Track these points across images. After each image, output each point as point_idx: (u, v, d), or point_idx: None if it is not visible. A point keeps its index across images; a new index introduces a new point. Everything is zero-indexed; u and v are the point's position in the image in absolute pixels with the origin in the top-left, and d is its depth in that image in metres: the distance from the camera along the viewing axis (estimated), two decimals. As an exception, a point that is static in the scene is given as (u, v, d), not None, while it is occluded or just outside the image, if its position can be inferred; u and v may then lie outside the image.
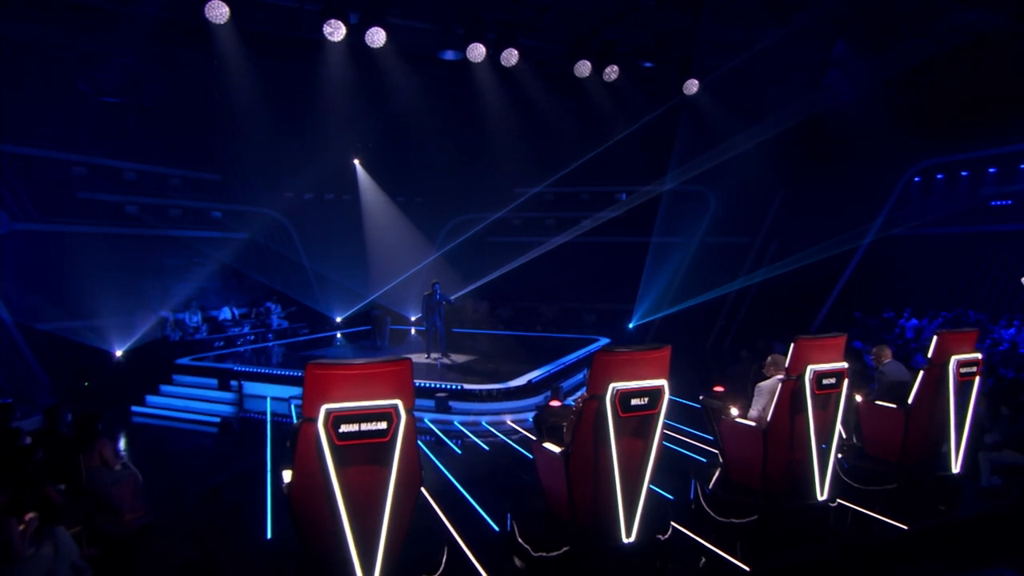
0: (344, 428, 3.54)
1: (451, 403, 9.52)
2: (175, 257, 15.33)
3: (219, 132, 15.40)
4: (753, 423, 5.49)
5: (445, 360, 12.18)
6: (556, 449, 4.71)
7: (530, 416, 9.40)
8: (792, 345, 5.16)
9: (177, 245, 15.21)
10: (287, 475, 3.86)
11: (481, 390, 9.77)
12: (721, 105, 13.61)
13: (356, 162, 18.11)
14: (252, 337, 15.06)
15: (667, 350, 4.50)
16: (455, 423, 9.23)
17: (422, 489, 6.46)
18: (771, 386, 5.47)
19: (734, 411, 6.02)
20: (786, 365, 5.24)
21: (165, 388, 11.20)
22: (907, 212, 15.15)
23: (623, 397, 4.28)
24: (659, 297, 17.49)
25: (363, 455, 3.67)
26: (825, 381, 5.16)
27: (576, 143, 16.19)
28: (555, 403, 5.36)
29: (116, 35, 10.26)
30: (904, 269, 15.59)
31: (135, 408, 10.62)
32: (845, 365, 5.28)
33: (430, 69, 11.92)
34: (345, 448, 3.58)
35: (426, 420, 9.27)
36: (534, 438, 8.61)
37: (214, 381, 11.02)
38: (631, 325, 17.52)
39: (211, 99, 13.04)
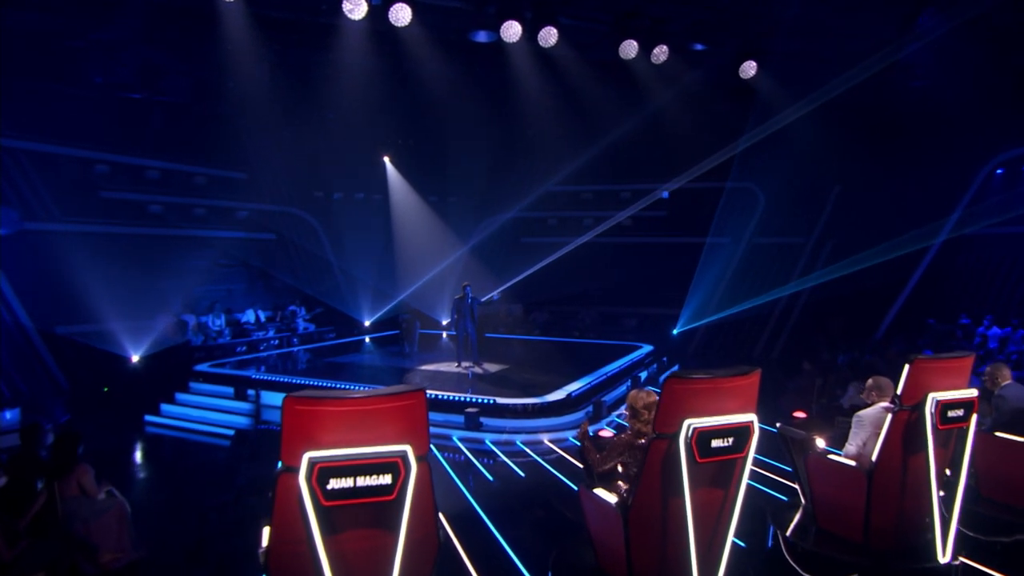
0: (334, 484, 2.65)
1: (482, 419, 8.62)
2: (199, 258, 14.80)
3: (244, 129, 14.87)
4: (852, 461, 4.45)
5: (477, 369, 11.31)
6: (611, 497, 3.76)
7: (570, 435, 8.47)
8: (907, 367, 4.10)
9: (202, 245, 14.68)
10: (266, 535, 2.99)
11: (515, 405, 8.84)
12: (780, 90, 12.44)
13: (386, 159, 17.43)
14: (276, 341, 14.44)
15: (756, 376, 3.51)
16: (486, 442, 8.32)
17: (444, 524, 5.63)
18: (875, 416, 4.42)
19: (820, 442, 4.99)
20: (897, 392, 4.18)
21: (180, 396, 10.57)
22: (987, 208, 13.67)
23: (701, 438, 3.30)
24: (704, 301, 16.38)
25: (360, 518, 2.78)
26: (951, 413, 4.09)
27: (618, 135, 15.18)
28: (605, 433, 4.39)
29: (127, 21, 9.67)
30: (981, 272, 14.15)
31: (149, 417, 10.00)
32: (975, 393, 4.20)
33: (461, 55, 11.07)
34: (336, 510, 2.70)
35: (454, 438, 8.39)
36: (573, 459, 7.71)
37: (231, 390, 10.33)
38: (675, 331, 16.41)
39: (232, 93, 12.42)
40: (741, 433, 3.40)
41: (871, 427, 4.42)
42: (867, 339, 14.09)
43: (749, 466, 3.51)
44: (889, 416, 4.19)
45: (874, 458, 4.25)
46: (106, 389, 11.84)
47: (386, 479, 2.70)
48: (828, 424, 7.97)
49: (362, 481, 2.67)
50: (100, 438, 9.28)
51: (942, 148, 13.35)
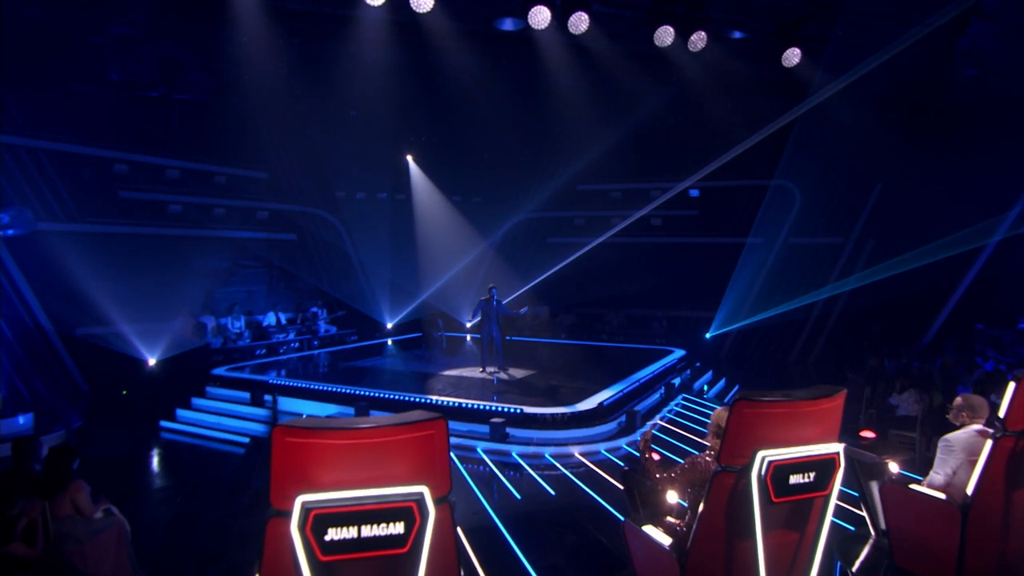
0: (334, 534, 2.15)
1: (508, 430, 8.10)
2: (219, 259, 14.56)
3: (265, 127, 14.63)
4: (939, 493, 3.83)
5: (502, 375, 10.81)
6: (664, 539, 3.21)
7: (602, 448, 7.92)
8: (1013, 386, 3.49)
9: (222, 246, 14.43)
10: (257, 587, 2.50)
11: (544, 415, 8.31)
12: (821, 80, 11.75)
13: (409, 158, 17.05)
14: (296, 344, 14.10)
15: (840, 397, 2.94)
16: (513, 454, 7.80)
17: (468, 551, 5.13)
18: (968, 442, 3.81)
19: (894, 467, 4.37)
20: (1001, 414, 3.56)
21: (197, 402, 10.23)
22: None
23: (778, 473, 2.74)
24: (737, 304, 15.71)
25: (366, 574, 2.27)
26: (1067, 440, 3.46)
27: (650, 130, 14.58)
28: (654, 456, 3.81)
29: (142, 15, 9.38)
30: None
31: (164, 423, 9.67)
32: (1094, 416, 3.56)
33: (486, 45, 10.59)
34: (336, 565, 2.19)
35: (479, 450, 7.90)
36: (606, 475, 7.15)
37: (247, 395, 9.97)
38: (708, 335, 15.74)
39: (251, 89, 12.11)
40: (825, 467, 2.84)
41: (963, 454, 3.81)
42: (914, 344, 13.28)
43: (833, 505, 2.94)
44: (989, 442, 3.58)
45: (969, 491, 3.63)
46: (124, 392, 11.62)
47: (398, 528, 2.20)
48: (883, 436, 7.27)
49: (368, 531, 2.17)
50: (113, 444, 9.04)
51: (998, 140, 12.50)
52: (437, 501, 2.29)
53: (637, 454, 3.70)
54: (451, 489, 2.39)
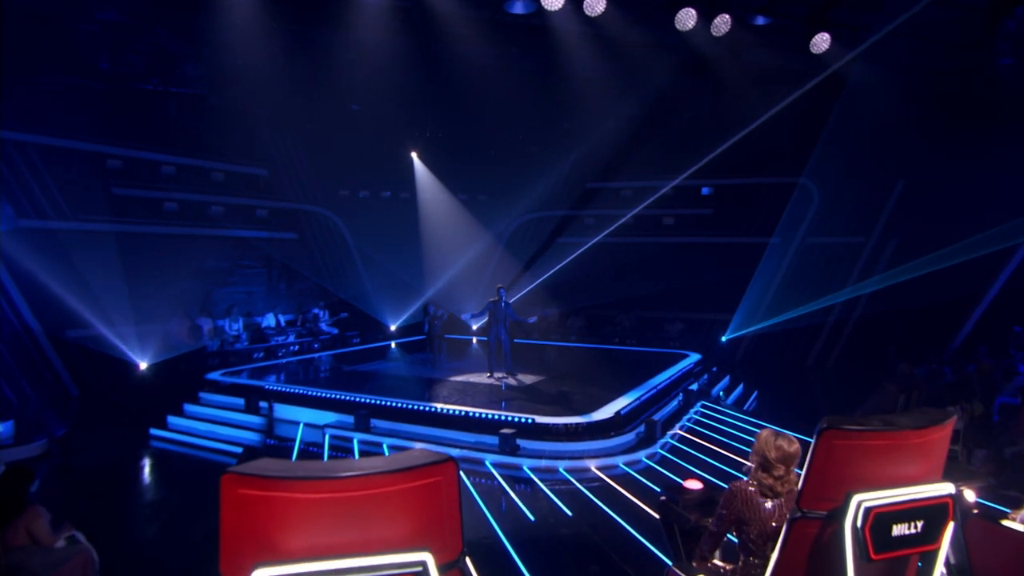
0: (304, 621, 1.57)
1: (519, 441, 7.51)
2: (217, 259, 14.03)
3: (265, 122, 14.11)
4: (1041, 532, 3.24)
5: (510, 380, 10.24)
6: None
7: (620, 461, 7.33)
8: None
9: (219, 245, 13.90)
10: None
11: (558, 425, 7.72)
12: (851, 66, 11.15)
13: (413, 155, 16.50)
14: (296, 347, 13.55)
15: (950, 425, 2.34)
16: (524, 468, 7.22)
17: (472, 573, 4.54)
18: (1073, 470, 3.21)
19: (970, 495, 3.77)
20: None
21: (189, 408, 9.68)
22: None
23: (879, 522, 2.15)
24: (753, 306, 15.10)
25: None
26: None
27: (664, 125, 13.97)
28: (693, 483, 3.26)
29: (134, 1, 8.86)
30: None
31: (154, 431, 9.11)
32: None
33: (495, 32, 10.04)
34: (308, 660, 1.62)
35: (487, 463, 7.32)
36: (627, 493, 6.57)
37: (241, 401, 9.41)
38: (724, 338, 15.13)
39: (249, 80, 11.58)
40: (935, 514, 2.24)
41: (1068, 485, 3.21)
42: (941, 349, 12.64)
43: (943, 560, 2.35)
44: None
45: (1082, 531, 3.04)
46: (113, 399, 11.11)
47: (392, 610, 1.62)
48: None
49: (351, 616, 1.59)
50: (99, 454, 8.50)
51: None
52: (443, 568, 1.71)
53: (673, 477, 3.12)
54: (463, 549, 1.81)
